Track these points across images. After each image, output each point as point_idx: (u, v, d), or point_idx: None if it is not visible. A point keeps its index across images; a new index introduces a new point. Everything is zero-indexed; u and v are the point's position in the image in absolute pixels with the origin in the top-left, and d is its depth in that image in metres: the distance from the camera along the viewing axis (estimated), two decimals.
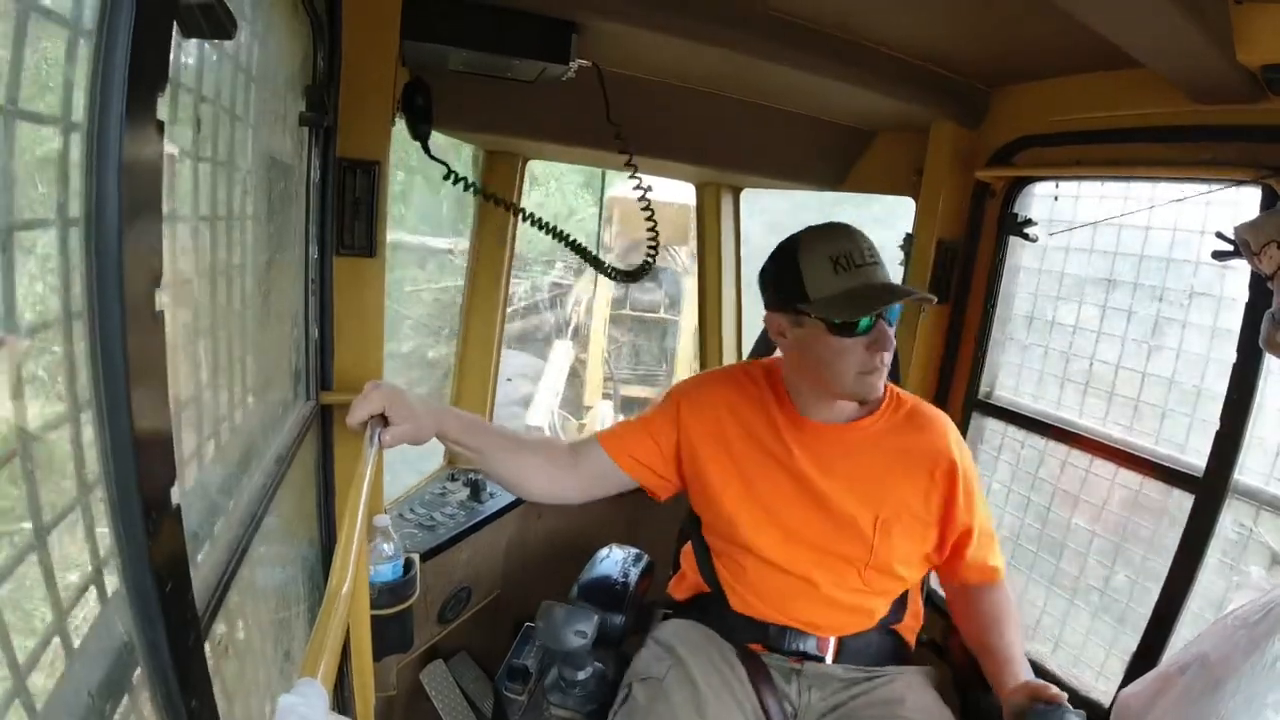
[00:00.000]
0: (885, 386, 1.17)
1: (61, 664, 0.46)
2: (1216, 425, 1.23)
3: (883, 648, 1.20)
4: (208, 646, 0.60)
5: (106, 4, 0.42)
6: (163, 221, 0.51)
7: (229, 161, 0.77)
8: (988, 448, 1.72)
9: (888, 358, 1.10)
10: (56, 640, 0.45)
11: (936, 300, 1.23)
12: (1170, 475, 1.34)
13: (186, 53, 0.64)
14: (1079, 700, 1.36)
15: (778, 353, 1.24)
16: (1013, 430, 1.67)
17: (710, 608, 1.23)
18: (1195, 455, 1.30)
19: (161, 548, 0.49)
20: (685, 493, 1.27)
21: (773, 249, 1.17)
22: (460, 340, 2.05)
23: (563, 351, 7.14)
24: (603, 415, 6.64)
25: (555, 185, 9.03)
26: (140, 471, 0.46)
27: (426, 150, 1.39)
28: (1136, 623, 1.35)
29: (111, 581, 0.50)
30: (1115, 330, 1.49)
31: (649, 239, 1.67)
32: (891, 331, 1.09)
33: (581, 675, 1.20)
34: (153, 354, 0.49)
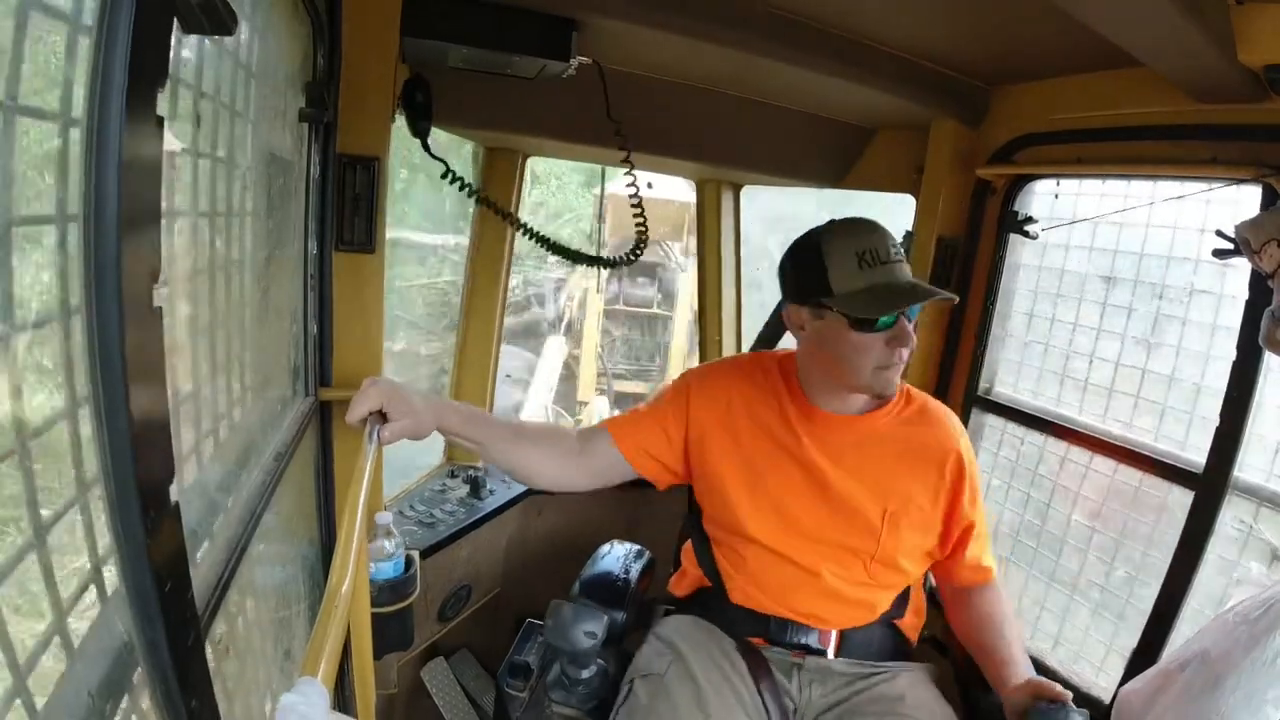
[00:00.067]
0: None
1: (62, 664, 0.46)
2: (1216, 422, 1.24)
3: (884, 643, 1.20)
4: (208, 646, 0.60)
5: (107, 0, 0.42)
6: (162, 217, 0.51)
7: (229, 157, 0.77)
8: (987, 444, 1.72)
9: (906, 354, 1.10)
10: (56, 640, 0.45)
11: (958, 300, 1.23)
12: (1170, 472, 1.34)
13: (186, 48, 0.63)
14: (1080, 697, 1.36)
15: (781, 346, 1.24)
16: (1012, 427, 1.67)
17: (710, 602, 1.23)
18: (1195, 452, 1.30)
19: (160, 546, 0.49)
20: (688, 485, 1.27)
21: (793, 241, 1.16)
22: (459, 336, 2.05)
23: (556, 347, 7.13)
24: (598, 411, 6.63)
25: (556, 184, 9.02)
26: (139, 469, 0.46)
27: (426, 147, 1.39)
28: (1136, 619, 1.35)
29: (111, 580, 0.49)
30: (1115, 327, 1.49)
31: (638, 230, 1.67)
32: (911, 328, 1.09)
33: (585, 674, 1.20)
34: (151, 350, 0.49)
